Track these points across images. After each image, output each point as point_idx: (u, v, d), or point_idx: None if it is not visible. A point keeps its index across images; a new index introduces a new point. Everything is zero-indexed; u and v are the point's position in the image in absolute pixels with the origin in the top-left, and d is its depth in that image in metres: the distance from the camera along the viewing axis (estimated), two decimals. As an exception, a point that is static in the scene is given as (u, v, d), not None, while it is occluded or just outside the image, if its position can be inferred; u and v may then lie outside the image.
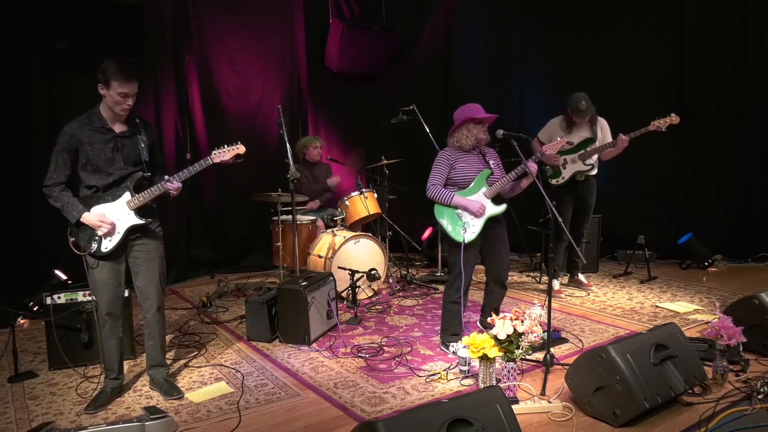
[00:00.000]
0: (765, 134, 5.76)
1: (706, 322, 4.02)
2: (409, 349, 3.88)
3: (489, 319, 3.16)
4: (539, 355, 3.48)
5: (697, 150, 6.07)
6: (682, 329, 3.20)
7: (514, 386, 3.08)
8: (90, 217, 2.99)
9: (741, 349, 3.33)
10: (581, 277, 5.32)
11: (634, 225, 6.09)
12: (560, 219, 3.48)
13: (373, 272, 4.91)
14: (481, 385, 3.06)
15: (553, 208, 3.41)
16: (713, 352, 3.26)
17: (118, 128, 3.05)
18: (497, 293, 3.86)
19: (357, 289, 4.74)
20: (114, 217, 3.05)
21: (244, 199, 5.61)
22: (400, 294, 5.29)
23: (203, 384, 3.42)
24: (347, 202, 5.50)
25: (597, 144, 4.84)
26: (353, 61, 6.69)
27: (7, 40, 4.68)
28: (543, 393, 3.11)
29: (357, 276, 4.73)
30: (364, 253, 5.10)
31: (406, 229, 5.93)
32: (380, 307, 4.88)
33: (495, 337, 3.01)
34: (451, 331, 3.75)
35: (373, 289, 5.21)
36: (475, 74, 6.80)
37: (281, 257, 5.19)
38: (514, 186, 3.73)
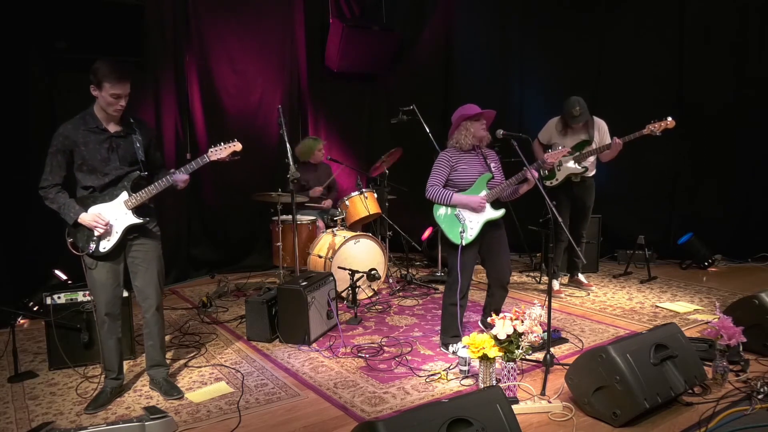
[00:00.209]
0: (765, 134, 5.76)
1: (706, 322, 4.02)
2: (409, 349, 3.88)
3: (489, 319, 3.16)
4: (539, 355, 3.49)
5: (697, 150, 6.07)
6: (682, 329, 3.20)
7: (514, 386, 3.08)
8: (86, 217, 2.99)
9: (741, 349, 3.33)
10: (581, 277, 5.32)
11: (634, 225, 6.09)
12: (560, 219, 3.48)
13: (373, 272, 4.91)
14: (481, 385, 3.06)
15: (553, 208, 3.41)
16: (713, 352, 3.26)
17: (113, 128, 3.04)
18: (498, 296, 3.86)
19: (357, 289, 4.74)
20: (111, 216, 3.04)
21: (244, 199, 5.60)
22: (400, 294, 5.29)
23: (203, 384, 3.42)
24: (347, 202, 5.50)
25: (594, 146, 4.84)
26: (353, 61, 6.69)
27: (7, 40, 4.69)
28: (543, 393, 3.11)
29: (357, 276, 4.73)
30: (364, 253, 5.10)
31: (406, 229, 5.93)
32: (380, 307, 4.88)
33: (495, 337, 3.02)
34: (451, 332, 3.76)
35: (373, 289, 5.21)
36: (475, 74, 6.80)
37: (281, 257, 5.19)
38: (513, 191, 3.74)
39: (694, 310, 4.57)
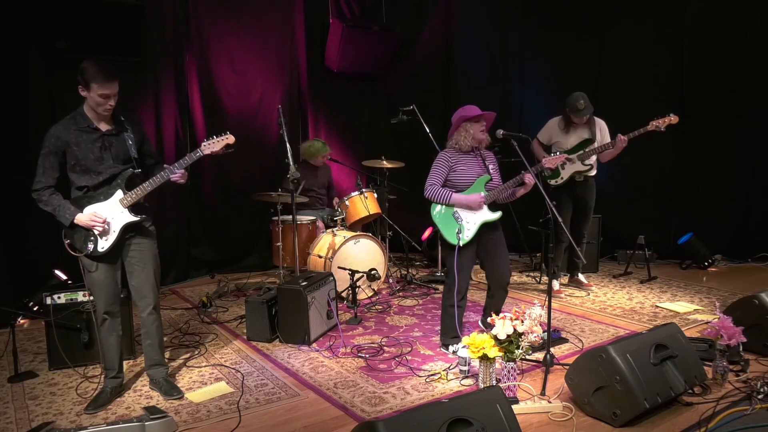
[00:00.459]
0: (765, 134, 5.76)
1: (706, 322, 4.02)
2: (409, 349, 3.88)
3: (489, 319, 3.16)
4: (539, 355, 3.49)
5: (697, 150, 6.07)
6: (682, 329, 3.20)
7: (514, 386, 3.08)
8: (83, 217, 2.98)
9: (741, 349, 3.33)
10: (581, 277, 5.32)
11: (634, 225, 6.09)
12: (560, 219, 3.48)
13: (373, 272, 4.91)
14: (481, 385, 3.06)
15: (553, 208, 3.41)
16: (713, 352, 3.26)
17: (104, 127, 3.04)
18: (499, 297, 3.86)
19: (357, 289, 4.74)
20: (107, 215, 3.03)
21: (244, 199, 5.61)
22: (400, 294, 5.29)
23: (203, 384, 3.42)
24: (347, 202, 5.51)
25: (596, 145, 4.84)
26: (353, 61, 6.68)
27: (7, 40, 4.68)
28: (543, 393, 3.11)
29: (357, 276, 4.73)
30: (364, 253, 5.10)
31: (406, 229, 5.93)
32: (380, 307, 4.88)
33: (495, 337, 3.02)
34: (451, 334, 3.76)
35: (373, 289, 5.21)
36: (475, 74, 6.80)
37: (281, 257, 5.19)
38: (510, 194, 3.75)
39: (694, 310, 4.57)
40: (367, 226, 6.09)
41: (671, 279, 5.59)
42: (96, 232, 3.02)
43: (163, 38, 5.61)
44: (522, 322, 3.06)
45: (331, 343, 4.02)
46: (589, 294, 5.13)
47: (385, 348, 3.91)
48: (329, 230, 5.21)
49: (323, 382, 3.39)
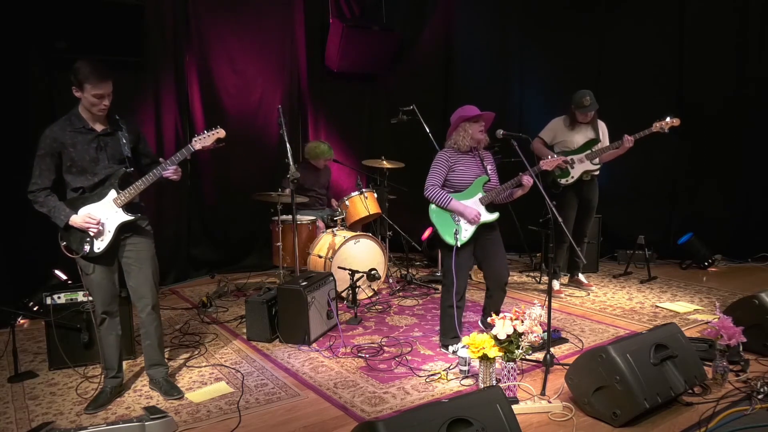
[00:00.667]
0: (765, 134, 5.76)
1: (706, 322, 4.02)
2: (409, 349, 3.88)
3: (489, 319, 3.16)
4: (539, 355, 3.49)
5: (697, 150, 6.07)
6: (682, 329, 3.20)
7: (514, 386, 3.08)
8: (77, 219, 2.98)
9: (741, 349, 3.33)
10: (581, 277, 5.32)
11: (634, 225, 6.09)
12: (560, 219, 3.48)
13: (373, 272, 4.91)
14: (481, 385, 3.06)
15: (553, 208, 3.42)
16: (713, 352, 3.26)
17: (99, 127, 3.03)
18: (497, 297, 3.86)
19: (357, 289, 4.74)
20: (102, 216, 3.03)
21: (244, 199, 5.61)
22: (400, 294, 5.29)
23: (203, 384, 3.42)
24: (347, 202, 5.50)
25: (600, 145, 4.87)
26: (353, 61, 6.68)
27: (7, 40, 4.68)
28: (543, 393, 3.11)
29: (357, 276, 4.73)
30: (364, 253, 5.10)
31: (406, 229, 5.93)
32: (380, 307, 4.88)
33: (495, 337, 3.02)
34: (451, 334, 3.76)
35: (373, 289, 5.21)
36: (475, 74, 6.80)
37: (281, 257, 5.19)
38: (508, 195, 3.76)
39: (694, 310, 4.57)
40: (367, 226, 6.09)
41: (671, 279, 5.59)
42: (91, 234, 3.01)
43: (163, 38, 5.61)
44: (522, 322, 3.06)
45: (331, 343, 4.02)
46: (589, 294, 5.13)
47: (385, 348, 3.91)
48: (329, 230, 5.21)
49: (323, 382, 3.39)
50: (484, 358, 3.00)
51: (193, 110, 5.93)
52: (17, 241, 4.74)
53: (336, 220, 5.33)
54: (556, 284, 5.16)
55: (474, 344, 3.00)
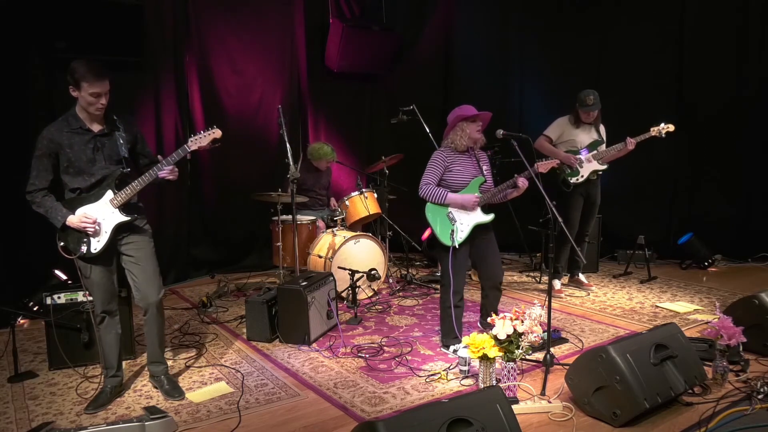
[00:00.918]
0: (765, 134, 5.76)
1: (706, 322, 4.02)
2: (409, 349, 3.88)
3: (489, 319, 3.16)
4: (539, 355, 3.49)
5: (697, 150, 6.07)
6: (682, 329, 3.20)
7: (514, 386, 3.08)
8: (74, 219, 2.97)
9: (741, 349, 3.33)
10: (581, 277, 5.33)
11: (634, 225, 6.09)
12: (560, 219, 3.48)
13: (373, 272, 4.91)
14: (481, 385, 3.06)
15: (553, 208, 3.42)
16: (713, 352, 3.26)
17: (96, 128, 3.03)
18: (493, 296, 3.87)
19: (357, 289, 4.74)
20: (99, 216, 3.02)
21: (244, 199, 5.61)
22: (400, 294, 5.29)
23: (203, 384, 3.42)
24: (347, 202, 5.50)
25: (602, 147, 4.89)
26: (353, 61, 6.68)
27: (7, 40, 4.68)
28: (543, 393, 3.11)
29: (357, 276, 4.73)
30: (364, 253, 5.10)
31: (406, 229, 5.93)
32: (380, 307, 4.88)
33: (495, 337, 3.02)
34: (451, 335, 3.76)
35: (373, 289, 5.21)
36: (475, 74, 6.79)
37: (281, 257, 5.19)
38: (502, 196, 3.78)
39: (694, 310, 4.57)
40: (367, 226, 6.09)
41: (671, 279, 5.59)
42: (88, 233, 3.01)
43: (163, 38, 5.60)
44: (522, 322, 3.06)
45: (331, 343, 4.02)
46: (589, 294, 5.13)
47: (385, 348, 3.91)
48: (329, 230, 5.21)
49: (323, 382, 3.39)
50: (484, 358, 3.00)
51: (193, 110, 5.93)
52: (17, 241, 4.74)
53: (336, 220, 5.33)
54: (556, 284, 5.16)
55: (474, 344, 3.00)
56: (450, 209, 3.68)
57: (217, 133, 3.12)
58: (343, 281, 4.72)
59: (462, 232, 3.66)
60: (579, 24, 6.36)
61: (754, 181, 5.89)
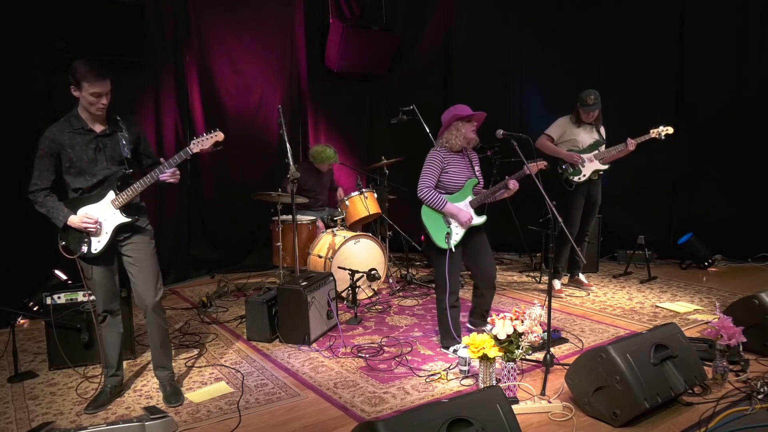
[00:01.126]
0: (765, 134, 5.76)
1: (706, 322, 4.02)
2: (409, 349, 3.88)
3: (489, 319, 3.16)
4: (539, 355, 3.49)
5: (697, 150, 6.07)
6: (682, 329, 3.20)
7: (514, 386, 3.08)
8: (75, 219, 2.98)
9: (741, 349, 3.33)
10: (581, 277, 5.33)
11: (634, 225, 6.09)
12: (560, 219, 3.48)
13: (373, 272, 4.91)
14: (481, 385, 3.06)
15: (553, 208, 3.42)
16: (713, 352, 3.26)
17: (98, 128, 3.02)
18: (488, 295, 3.90)
19: (357, 289, 4.74)
20: (100, 216, 3.02)
21: (244, 199, 5.61)
22: (400, 294, 5.29)
23: (203, 384, 3.42)
24: (347, 202, 5.50)
25: (603, 148, 4.90)
26: (353, 61, 6.68)
27: (7, 40, 4.68)
28: (543, 393, 3.11)
29: (357, 276, 4.73)
30: (364, 253, 5.10)
31: (406, 229, 5.93)
32: (380, 307, 4.88)
33: (495, 337, 3.02)
34: (449, 336, 3.77)
35: (373, 289, 5.21)
36: (475, 74, 6.79)
37: (281, 257, 5.19)
38: (493, 198, 3.81)
39: (694, 310, 4.57)
40: (367, 226, 6.09)
41: (671, 279, 5.59)
42: (90, 233, 3.01)
43: (163, 38, 5.60)
44: (522, 322, 3.06)
45: (331, 343, 4.02)
46: (589, 294, 5.13)
47: (385, 348, 3.91)
48: (329, 230, 5.21)
49: (323, 382, 3.39)
50: (484, 358, 3.00)
51: (193, 110, 5.93)
52: (17, 241, 4.74)
53: (336, 220, 5.33)
54: (556, 284, 5.16)
55: (474, 344, 3.00)
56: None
57: (219, 135, 3.12)
58: (343, 281, 4.72)
59: (457, 234, 3.68)
60: (579, 24, 6.36)
61: (754, 181, 5.89)
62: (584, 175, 4.97)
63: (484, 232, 3.85)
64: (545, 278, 5.52)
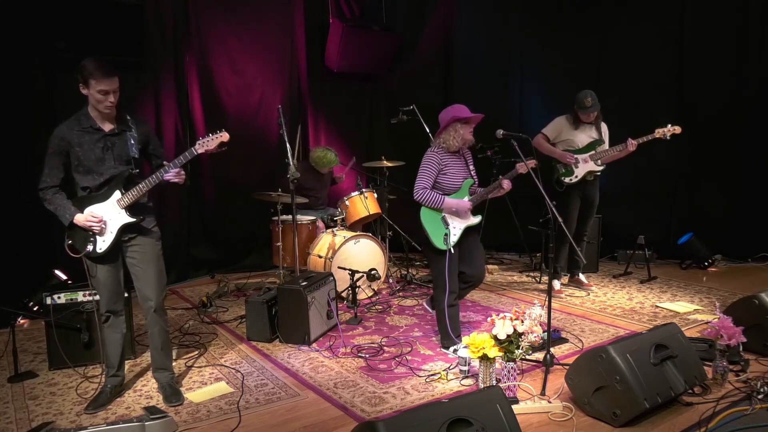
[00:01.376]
0: (765, 134, 5.76)
1: (706, 322, 4.03)
2: (409, 349, 3.88)
3: (489, 319, 3.17)
4: (539, 355, 3.49)
5: (697, 150, 6.06)
6: (682, 329, 3.20)
7: (514, 386, 3.08)
8: (81, 218, 2.98)
9: (741, 349, 3.33)
10: (581, 277, 5.32)
11: (634, 225, 6.08)
12: (560, 219, 3.48)
13: (373, 272, 4.91)
14: (481, 385, 3.06)
15: (553, 208, 3.42)
16: (713, 352, 3.26)
17: (107, 127, 3.03)
18: (472, 288, 4.03)
19: (357, 289, 4.74)
20: (105, 215, 3.03)
21: (244, 199, 5.61)
22: (400, 294, 5.29)
23: (203, 384, 3.42)
24: (347, 202, 5.50)
25: (604, 146, 4.89)
26: (353, 61, 6.68)
27: (7, 40, 4.68)
28: (543, 393, 3.11)
29: (357, 276, 4.73)
30: (364, 253, 5.10)
31: (406, 229, 5.93)
32: (380, 307, 4.88)
33: (495, 337, 3.02)
34: (449, 336, 3.76)
35: (373, 289, 5.21)
36: (475, 74, 6.79)
37: (281, 257, 5.19)
38: (488, 198, 3.85)
39: (694, 310, 4.57)
40: (367, 226, 6.09)
41: (671, 279, 5.59)
42: (94, 232, 3.01)
43: (163, 38, 5.60)
44: (522, 322, 3.06)
45: (331, 343, 4.02)
46: (589, 294, 5.12)
47: (385, 348, 3.91)
48: (329, 230, 5.21)
49: (323, 382, 3.39)
50: (484, 358, 3.00)
51: (193, 110, 5.93)
52: (17, 241, 4.74)
53: (336, 220, 5.33)
54: (556, 284, 5.17)
55: (474, 344, 3.00)
56: (444, 213, 3.70)
57: (224, 136, 3.11)
58: (343, 281, 4.72)
59: (455, 235, 3.69)
60: (579, 24, 6.36)
61: (754, 181, 5.89)
62: (576, 177, 4.96)
63: (477, 233, 3.88)
64: (545, 278, 5.52)
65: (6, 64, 4.70)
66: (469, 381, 3.33)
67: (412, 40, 7.11)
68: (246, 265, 6.24)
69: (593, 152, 4.91)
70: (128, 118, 3.11)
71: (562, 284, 5.30)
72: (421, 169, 3.71)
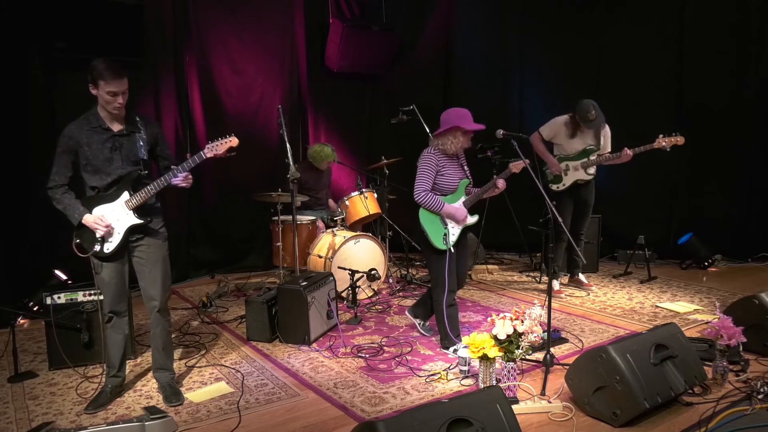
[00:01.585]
0: (765, 134, 5.76)
1: (706, 322, 4.02)
2: (409, 349, 3.88)
3: (489, 319, 3.17)
4: (539, 355, 3.49)
5: (697, 150, 6.05)
6: (682, 329, 3.21)
7: (514, 386, 3.08)
8: (89, 218, 2.99)
9: (741, 349, 3.33)
10: (581, 276, 5.32)
11: (634, 225, 6.09)
12: (560, 219, 3.48)
13: (373, 272, 4.91)
14: (481, 385, 3.06)
15: (553, 209, 3.42)
16: (713, 352, 3.26)
17: (116, 127, 3.03)
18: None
19: (357, 289, 4.74)
20: (113, 217, 3.04)
21: (244, 199, 5.61)
22: (400, 294, 5.29)
23: (203, 384, 3.42)
24: (347, 202, 5.50)
25: (598, 153, 4.88)
26: (353, 61, 6.68)
27: (7, 40, 4.68)
28: (543, 393, 3.11)
29: (357, 276, 4.73)
30: (364, 253, 5.10)
31: (406, 229, 5.93)
32: (380, 307, 4.88)
33: (495, 337, 3.02)
34: (449, 336, 3.76)
35: (373, 289, 5.21)
36: (475, 74, 6.80)
37: (281, 257, 5.19)
38: (483, 197, 3.86)
39: (694, 310, 4.57)
40: (367, 226, 6.09)
41: (671, 279, 5.59)
42: (99, 235, 3.01)
43: (163, 38, 5.61)
44: (522, 322, 3.06)
45: (331, 343, 4.02)
46: (589, 294, 5.12)
47: (385, 348, 3.91)
48: (329, 230, 5.21)
49: (323, 382, 3.39)
50: (484, 358, 3.00)
51: (193, 110, 5.93)
52: (17, 241, 4.74)
53: (336, 220, 5.33)
54: (556, 284, 5.16)
55: (474, 344, 3.00)
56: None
57: (233, 141, 3.12)
58: (343, 281, 4.72)
59: (453, 235, 3.71)
60: (579, 24, 6.36)
61: (754, 181, 5.89)
62: (564, 185, 4.96)
63: (466, 236, 3.89)
64: (545, 278, 5.52)
65: (6, 64, 4.70)
66: (469, 381, 3.33)
67: (412, 40, 7.11)
68: (246, 265, 6.24)
69: (585, 160, 4.88)
70: (137, 119, 3.11)
71: (561, 284, 5.30)
72: (419, 171, 3.71)
